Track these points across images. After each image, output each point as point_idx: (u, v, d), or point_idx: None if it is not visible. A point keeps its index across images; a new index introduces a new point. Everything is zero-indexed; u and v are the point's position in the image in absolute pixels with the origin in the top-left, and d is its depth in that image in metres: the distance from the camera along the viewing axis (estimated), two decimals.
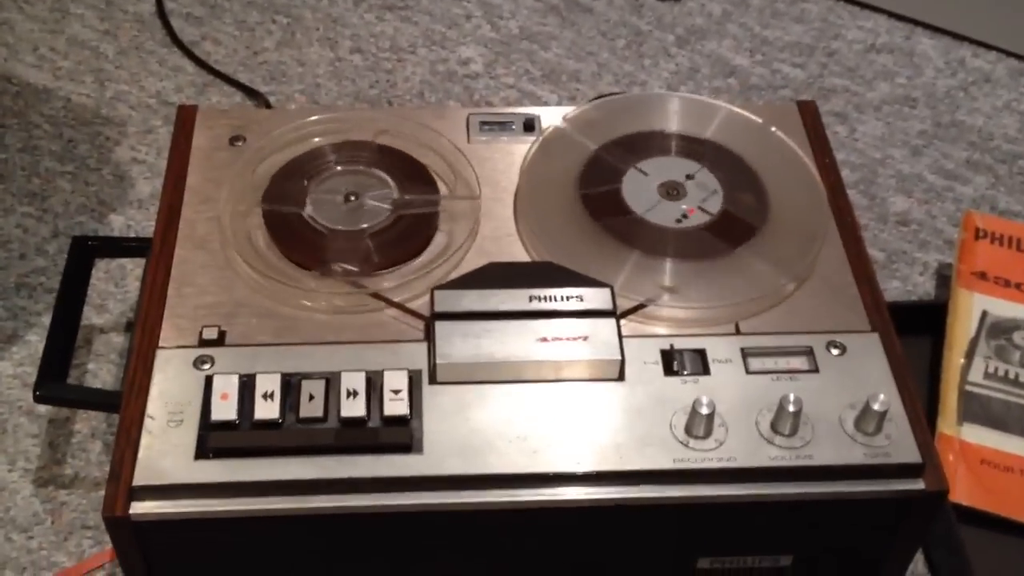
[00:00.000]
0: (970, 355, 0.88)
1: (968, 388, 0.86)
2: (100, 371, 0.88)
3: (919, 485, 0.69)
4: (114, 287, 0.94)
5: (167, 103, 1.10)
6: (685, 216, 0.81)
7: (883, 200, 1.06)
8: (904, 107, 1.14)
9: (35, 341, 0.90)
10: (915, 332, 0.91)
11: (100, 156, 1.04)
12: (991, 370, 0.87)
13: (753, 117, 0.88)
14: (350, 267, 0.76)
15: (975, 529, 0.81)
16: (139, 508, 0.66)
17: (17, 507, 0.80)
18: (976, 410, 0.85)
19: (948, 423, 0.85)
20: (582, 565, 0.73)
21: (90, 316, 0.92)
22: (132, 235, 0.98)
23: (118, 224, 0.99)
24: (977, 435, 0.84)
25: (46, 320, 0.82)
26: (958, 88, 1.17)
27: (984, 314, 0.90)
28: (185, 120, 0.87)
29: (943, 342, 0.90)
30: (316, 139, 0.85)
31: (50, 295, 0.92)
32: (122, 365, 0.88)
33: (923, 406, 0.86)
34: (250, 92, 1.11)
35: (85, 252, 0.83)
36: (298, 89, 1.12)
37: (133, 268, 0.95)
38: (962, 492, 0.81)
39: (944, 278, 0.99)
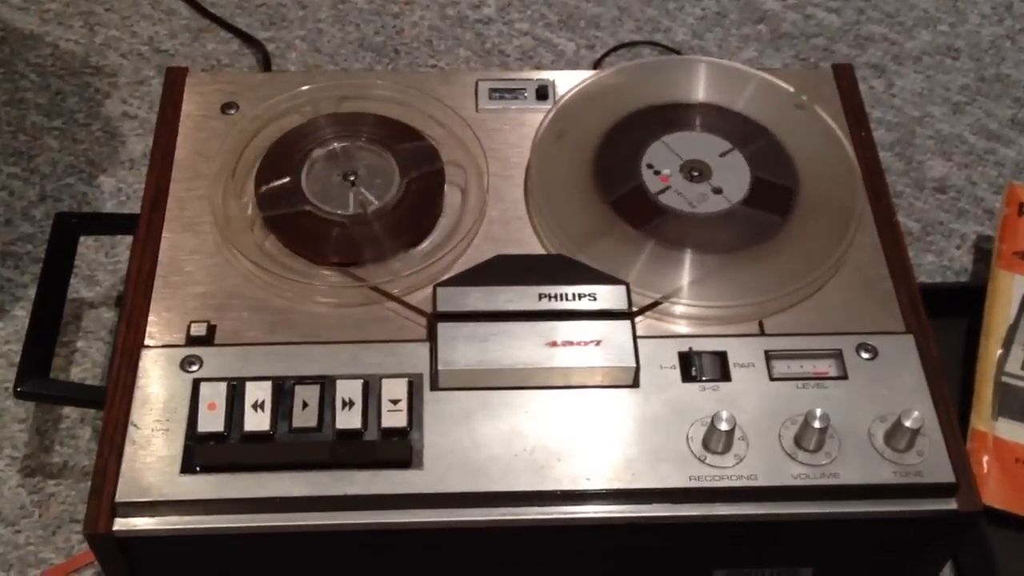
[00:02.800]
0: (1008, 343, 0.83)
1: (1005, 380, 0.81)
2: (90, 350, 0.84)
3: (951, 505, 0.65)
4: (104, 257, 0.90)
5: (160, 51, 1.03)
6: (708, 201, 0.75)
7: (920, 164, 0.99)
8: (946, 58, 1.07)
9: (22, 316, 0.86)
10: (950, 314, 0.86)
11: (89, 110, 0.99)
12: None
13: (784, 86, 0.82)
14: (348, 256, 0.71)
15: (1005, 531, 0.77)
16: (123, 524, 0.62)
17: (3, 498, 0.77)
18: (1012, 404, 0.80)
19: (982, 418, 0.80)
20: None
21: (79, 289, 0.87)
22: (123, 199, 0.93)
23: (108, 187, 0.94)
24: (1013, 431, 0.80)
25: (33, 292, 0.77)
26: (1005, 37, 1.09)
27: None
28: (174, 84, 0.82)
29: (980, 327, 0.84)
30: (312, 108, 0.79)
31: (37, 265, 0.87)
32: (112, 343, 0.84)
33: (956, 398, 0.82)
34: (247, 39, 1.04)
35: (69, 230, 0.78)
36: (298, 35, 1.05)
37: (124, 236, 0.90)
38: (993, 494, 0.77)
39: (983, 252, 0.93)
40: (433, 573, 0.68)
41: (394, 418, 0.64)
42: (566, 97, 0.80)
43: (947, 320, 0.85)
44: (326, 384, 0.66)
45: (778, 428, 0.66)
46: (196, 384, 0.65)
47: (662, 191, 0.75)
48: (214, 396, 0.65)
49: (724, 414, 0.64)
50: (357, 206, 0.73)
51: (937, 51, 1.08)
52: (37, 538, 0.76)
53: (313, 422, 0.64)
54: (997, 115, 1.03)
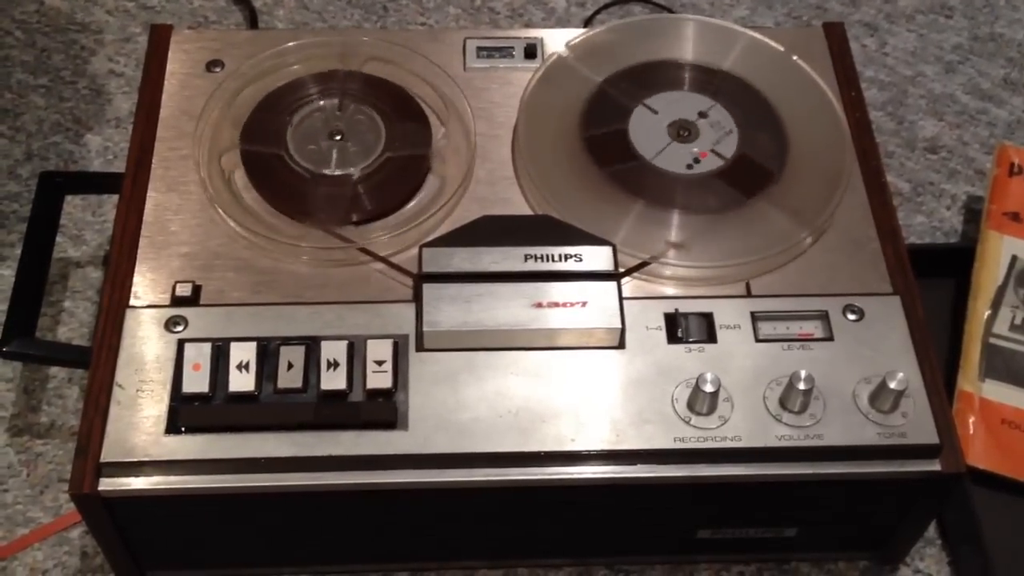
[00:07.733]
0: (996, 304, 0.83)
1: (992, 341, 0.81)
2: (76, 309, 0.84)
3: (935, 466, 0.65)
4: (91, 216, 0.89)
5: (146, 7, 1.02)
6: (697, 160, 0.74)
7: (912, 124, 0.98)
8: (939, 17, 1.06)
9: (8, 275, 0.85)
10: (939, 275, 0.85)
11: (75, 68, 0.98)
12: (1018, 321, 0.82)
13: (774, 44, 0.81)
14: (335, 216, 0.71)
15: (989, 491, 0.77)
16: (108, 484, 0.62)
17: None
18: (999, 365, 0.80)
19: (969, 379, 0.80)
20: (575, 539, 0.70)
21: (66, 248, 0.87)
22: (110, 157, 0.92)
23: (95, 145, 0.93)
24: (999, 392, 0.80)
25: (19, 252, 0.77)
26: None
27: (1014, 259, 0.84)
28: (159, 42, 0.81)
29: (968, 288, 0.84)
30: (298, 67, 0.79)
31: (24, 224, 0.87)
32: (99, 303, 0.84)
33: (943, 359, 0.82)
34: None
35: (54, 189, 0.78)
36: None
37: (111, 195, 0.89)
38: (979, 455, 0.77)
39: (973, 212, 0.93)
40: (417, 533, 0.69)
41: (379, 379, 0.64)
42: (555, 56, 0.80)
43: (936, 281, 0.85)
44: (311, 345, 0.65)
45: (763, 389, 0.66)
46: (181, 345, 0.65)
47: (650, 151, 0.75)
48: (199, 357, 0.64)
49: (709, 376, 0.64)
50: (334, 165, 0.73)
51: (931, 9, 1.06)
52: (25, 497, 0.76)
53: (298, 383, 0.64)
54: (990, 74, 1.02)
